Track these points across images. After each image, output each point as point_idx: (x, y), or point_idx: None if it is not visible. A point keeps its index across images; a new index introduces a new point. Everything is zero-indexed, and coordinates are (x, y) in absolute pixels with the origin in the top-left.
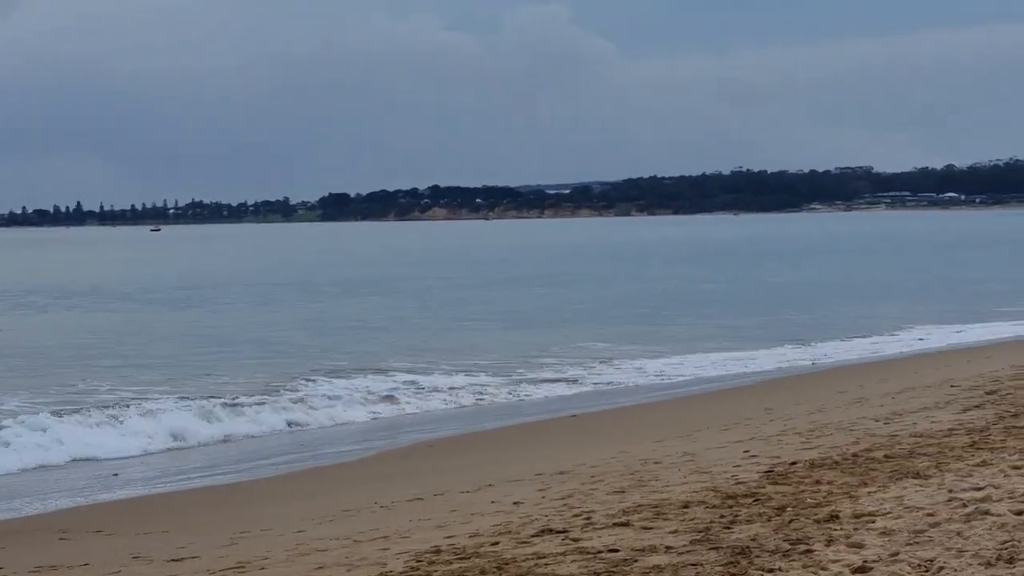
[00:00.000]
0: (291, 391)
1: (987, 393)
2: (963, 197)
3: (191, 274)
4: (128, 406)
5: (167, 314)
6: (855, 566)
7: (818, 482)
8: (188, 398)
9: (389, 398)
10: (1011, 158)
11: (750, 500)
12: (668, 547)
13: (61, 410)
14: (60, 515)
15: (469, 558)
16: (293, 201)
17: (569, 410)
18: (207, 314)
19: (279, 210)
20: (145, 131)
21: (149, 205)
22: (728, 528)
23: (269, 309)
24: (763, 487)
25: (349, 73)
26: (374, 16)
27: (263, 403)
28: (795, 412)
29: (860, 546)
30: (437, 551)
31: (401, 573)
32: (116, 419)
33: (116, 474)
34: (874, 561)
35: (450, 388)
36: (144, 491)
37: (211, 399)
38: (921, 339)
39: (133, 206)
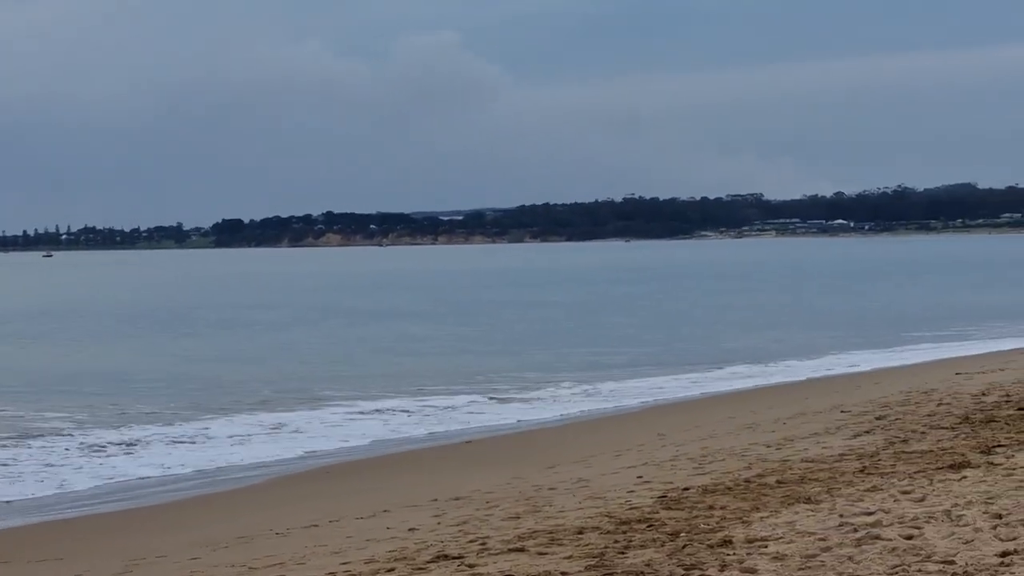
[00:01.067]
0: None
1: (876, 418)
2: (852, 224)
3: (68, 301)
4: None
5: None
6: None
7: (711, 507)
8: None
9: (278, 427)
10: (899, 186)
11: (644, 525)
12: (563, 572)
13: None
14: None
15: None
16: (186, 227)
17: (463, 436)
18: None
19: (172, 236)
20: (36, 157)
21: (41, 231)
22: (622, 553)
23: (189, 339)
24: (657, 512)
25: (241, 98)
26: (263, 42)
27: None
28: (687, 438)
29: (753, 571)
30: None
31: None
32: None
33: (9, 501)
34: None
35: (348, 416)
36: (37, 519)
37: (111, 429)
38: (812, 365)
39: (25, 232)
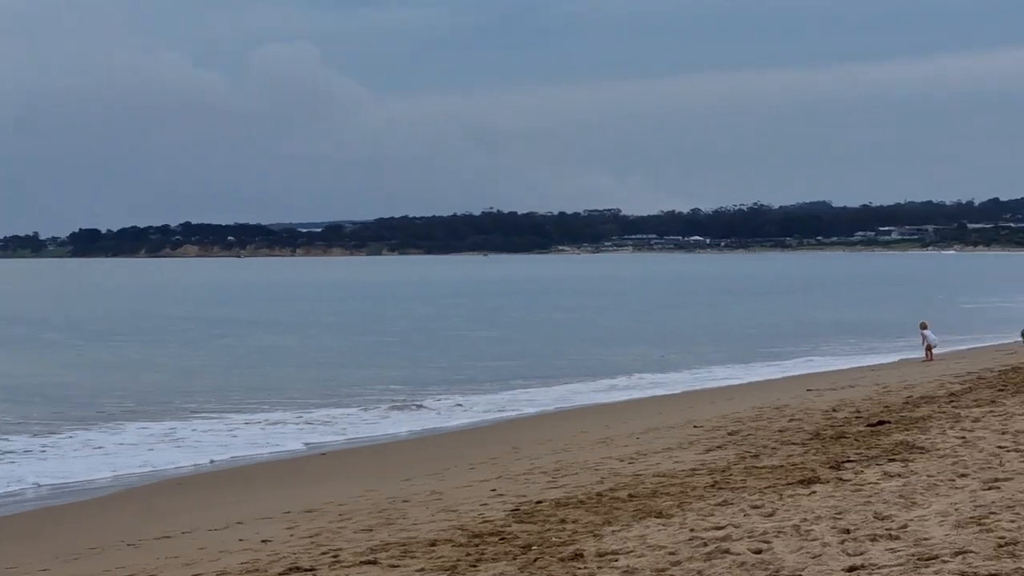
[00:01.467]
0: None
1: (729, 434)
2: (708, 240)
3: None
4: None
5: None
6: None
7: (563, 521)
8: None
9: (140, 438)
10: (755, 203)
11: (496, 539)
12: None
13: None
14: None
15: None
16: (43, 236)
17: (320, 448)
18: None
19: (28, 245)
20: None
21: None
22: (474, 566)
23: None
24: (509, 526)
25: (99, 107)
26: (122, 51)
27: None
28: (541, 451)
29: None
30: None
31: None
32: None
33: None
34: None
35: (211, 427)
36: None
37: None
38: (667, 379)
39: None
